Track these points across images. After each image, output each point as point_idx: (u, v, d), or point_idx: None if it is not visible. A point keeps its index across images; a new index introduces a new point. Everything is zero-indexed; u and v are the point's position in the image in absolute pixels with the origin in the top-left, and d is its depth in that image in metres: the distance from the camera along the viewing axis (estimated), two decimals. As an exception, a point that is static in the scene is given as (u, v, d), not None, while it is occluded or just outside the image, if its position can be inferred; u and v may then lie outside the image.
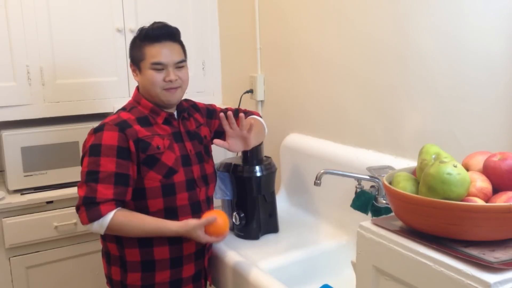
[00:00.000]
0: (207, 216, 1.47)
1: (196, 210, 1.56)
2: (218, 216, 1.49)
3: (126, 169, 1.46)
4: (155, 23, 1.54)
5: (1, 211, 1.98)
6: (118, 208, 1.45)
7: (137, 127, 1.49)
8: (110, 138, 1.45)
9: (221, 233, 1.49)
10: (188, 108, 1.68)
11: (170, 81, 1.52)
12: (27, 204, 2.03)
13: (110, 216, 1.42)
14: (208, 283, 1.69)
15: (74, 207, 1.47)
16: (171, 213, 1.51)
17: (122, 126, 1.47)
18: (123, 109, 1.57)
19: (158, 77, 1.52)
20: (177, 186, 1.52)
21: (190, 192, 1.55)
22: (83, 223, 1.44)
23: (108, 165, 1.43)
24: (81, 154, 1.53)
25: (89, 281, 2.19)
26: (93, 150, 1.45)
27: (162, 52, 1.52)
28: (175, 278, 1.55)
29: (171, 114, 1.58)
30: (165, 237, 1.51)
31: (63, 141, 2.16)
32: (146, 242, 1.51)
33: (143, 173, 1.48)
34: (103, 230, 1.44)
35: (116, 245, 1.53)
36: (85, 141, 1.51)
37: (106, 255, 1.58)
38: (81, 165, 1.49)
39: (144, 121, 1.52)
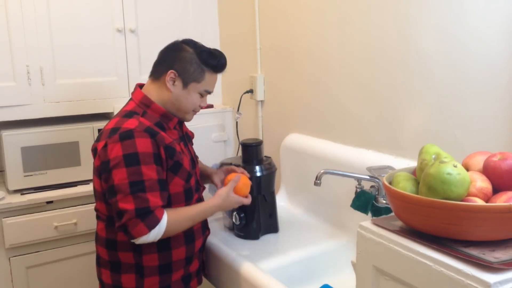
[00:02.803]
0: (229, 179, 1.61)
1: None
2: (240, 183, 1.62)
3: (163, 175, 1.45)
4: (218, 52, 1.57)
5: (1, 211, 1.98)
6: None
7: (162, 133, 1.48)
8: (145, 145, 1.41)
9: (246, 192, 1.62)
10: None
11: (202, 107, 1.61)
12: (27, 204, 2.03)
13: (165, 218, 1.40)
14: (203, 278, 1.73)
15: (119, 224, 1.37)
16: None
17: (151, 132, 1.44)
18: (136, 113, 1.49)
19: (198, 101, 1.57)
20: (193, 189, 1.56)
21: (197, 193, 1.60)
22: (139, 235, 1.36)
23: (150, 173, 1.40)
24: (98, 162, 1.47)
25: (89, 281, 2.19)
26: (129, 159, 1.38)
27: (215, 83, 1.60)
28: (186, 274, 1.58)
29: (179, 119, 1.60)
30: (182, 238, 1.53)
31: (63, 141, 2.16)
32: (165, 246, 1.50)
33: (169, 179, 1.48)
34: (160, 235, 1.40)
35: (132, 253, 1.49)
36: (105, 149, 1.42)
37: (112, 264, 1.53)
38: (110, 177, 1.40)
39: (160, 127, 1.50)
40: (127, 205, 1.36)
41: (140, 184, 1.38)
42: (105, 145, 1.42)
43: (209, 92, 1.58)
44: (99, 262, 1.57)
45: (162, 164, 1.44)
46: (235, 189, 1.59)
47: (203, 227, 1.63)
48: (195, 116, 1.65)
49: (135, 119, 1.46)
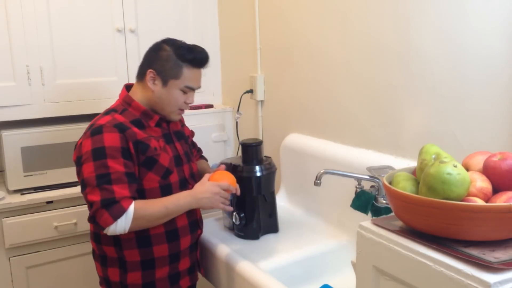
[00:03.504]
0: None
1: None
2: (216, 173, 1.63)
3: (132, 168, 1.47)
4: (197, 47, 1.57)
5: (1, 211, 1.98)
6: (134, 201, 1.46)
7: (134, 129, 1.50)
8: (112, 139, 1.44)
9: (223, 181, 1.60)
10: None
11: (189, 103, 1.60)
12: (27, 204, 2.03)
13: (132, 207, 1.42)
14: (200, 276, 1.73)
15: (89, 216, 1.44)
16: None
17: (121, 127, 1.47)
18: (114, 110, 1.55)
19: (182, 98, 1.57)
20: (173, 186, 1.56)
21: (183, 191, 1.58)
22: (106, 224, 1.40)
23: (117, 166, 1.43)
24: (74, 157, 1.51)
25: (89, 281, 2.19)
26: (96, 153, 1.43)
27: (198, 78, 1.59)
28: (173, 272, 1.58)
29: (162, 117, 1.60)
30: (164, 236, 1.54)
31: (63, 141, 2.16)
32: (145, 242, 1.52)
33: (142, 175, 1.50)
34: (129, 226, 1.42)
35: (114, 247, 1.53)
36: (80, 145, 1.48)
37: (101, 258, 1.58)
38: (81, 171, 1.46)
39: (138, 124, 1.53)
40: (94, 196, 1.41)
41: (106, 176, 1.41)
42: (81, 142, 1.49)
43: (192, 89, 1.58)
44: (93, 256, 1.65)
45: (132, 158, 1.47)
46: (211, 178, 1.59)
47: (192, 225, 1.63)
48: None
49: (110, 116, 1.51)
